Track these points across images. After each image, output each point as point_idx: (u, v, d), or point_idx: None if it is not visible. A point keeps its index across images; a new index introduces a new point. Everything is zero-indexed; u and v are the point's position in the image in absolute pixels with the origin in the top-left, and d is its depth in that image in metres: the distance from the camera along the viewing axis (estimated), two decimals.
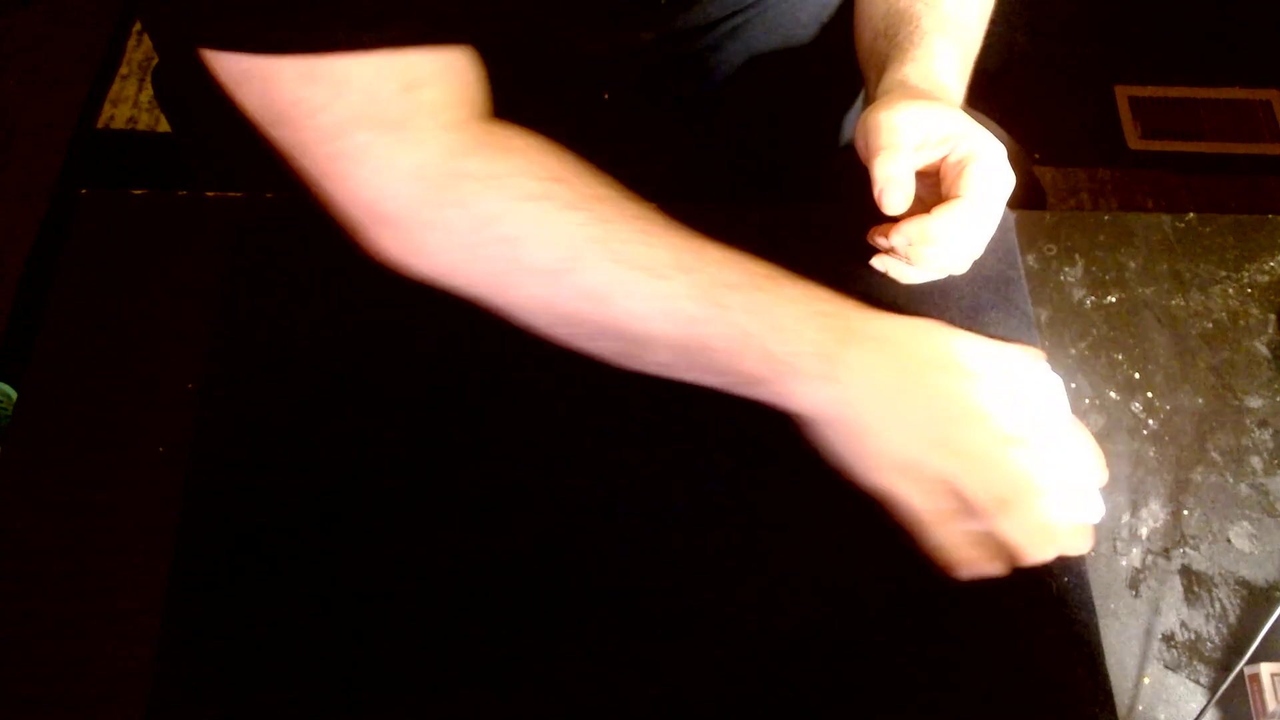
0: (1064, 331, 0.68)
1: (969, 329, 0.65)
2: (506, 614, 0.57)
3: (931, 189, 0.60)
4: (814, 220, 0.68)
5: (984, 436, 0.52)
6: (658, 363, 0.55)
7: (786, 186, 0.80)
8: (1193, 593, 0.60)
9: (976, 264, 0.68)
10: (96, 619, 0.57)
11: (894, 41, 0.65)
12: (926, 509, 0.53)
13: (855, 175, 0.60)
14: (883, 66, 0.65)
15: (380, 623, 0.56)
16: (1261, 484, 0.63)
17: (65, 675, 0.55)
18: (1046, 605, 0.57)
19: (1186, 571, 0.61)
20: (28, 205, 1.56)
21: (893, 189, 0.57)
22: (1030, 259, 0.71)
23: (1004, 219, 0.70)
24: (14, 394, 1.37)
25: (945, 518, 0.53)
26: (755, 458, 0.61)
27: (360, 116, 0.51)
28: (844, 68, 0.81)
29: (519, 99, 0.67)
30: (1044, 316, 0.68)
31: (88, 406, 0.63)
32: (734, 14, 0.67)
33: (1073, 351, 0.68)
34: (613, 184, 0.56)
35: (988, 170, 0.58)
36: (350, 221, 0.54)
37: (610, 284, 0.53)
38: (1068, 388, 0.66)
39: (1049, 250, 0.71)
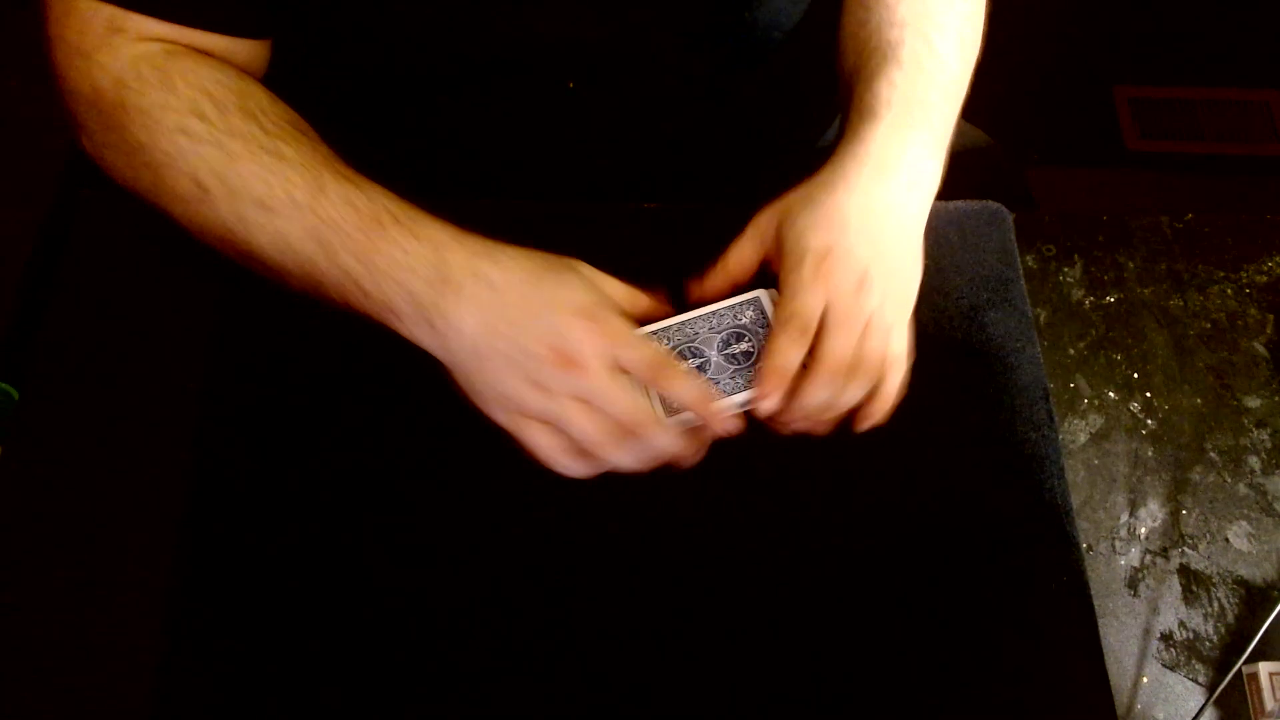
0: (1063, 331, 0.68)
1: (968, 329, 0.65)
2: (507, 614, 0.57)
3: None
4: None
5: (580, 379, 0.53)
6: (303, 291, 0.58)
7: (761, 186, 0.80)
8: (1191, 592, 0.60)
9: (976, 264, 0.68)
10: (96, 619, 0.57)
11: (851, 92, 0.65)
12: (543, 446, 0.55)
13: None
14: (843, 118, 0.65)
15: (381, 622, 0.56)
16: (1260, 484, 0.63)
17: (65, 675, 0.55)
18: (1045, 605, 0.57)
19: (1185, 571, 0.61)
20: (28, 205, 1.55)
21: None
22: (1029, 259, 0.71)
23: (1003, 219, 0.71)
24: (14, 394, 1.37)
25: (561, 456, 0.55)
26: (756, 457, 0.61)
27: (64, 37, 0.58)
28: (823, 70, 0.81)
29: (478, 82, 0.67)
30: (1043, 316, 0.69)
31: (88, 406, 0.63)
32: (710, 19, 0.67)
33: (1071, 351, 0.68)
34: (270, 119, 0.58)
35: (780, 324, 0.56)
36: None
37: (232, 217, 0.57)
38: (1066, 387, 0.66)
39: (1048, 250, 0.72)
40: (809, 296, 0.56)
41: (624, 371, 0.54)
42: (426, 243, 0.55)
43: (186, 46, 0.59)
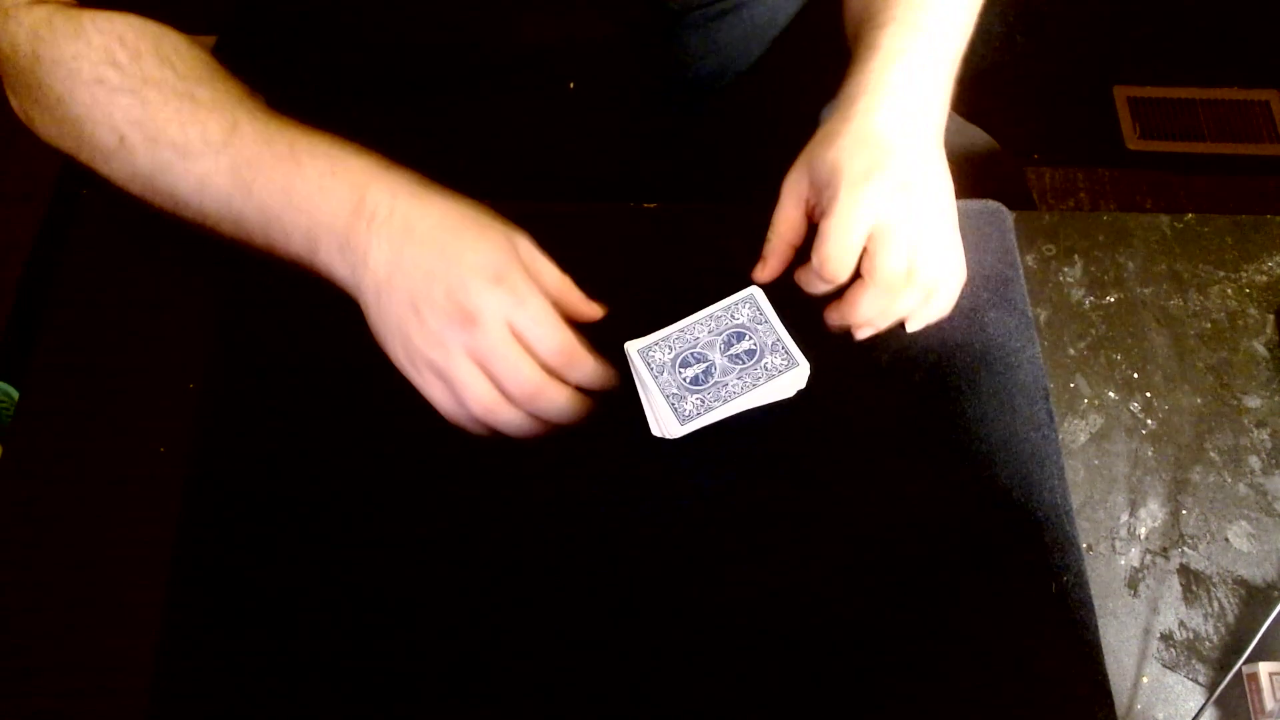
0: (1063, 331, 0.68)
1: (968, 329, 0.65)
2: (507, 613, 0.57)
3: None
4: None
5: (473, 336, 0.53)
6: (232, 238, 0.58)
7: (762, 184, 0.80)
8: (1191, 592, 0.60)
9: (976, 264, 0.68)
10: (97, 619, 0.57)
11: (857, 41, 0.65)
12: (436, 398, 0.55)
13: None
14: (849, 68, 0.65)
15: (380, 622, 0.56)
16: (1260, 484, 0.63)
17: (65, 675, 0.55)
18: (1045, 605, 0.57)
19: (1185, 571, 0.61)
20: (28, 205, 1.55)
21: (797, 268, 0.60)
22: (1029, 259, 0.71)
23: (1003, 219, 0.71)
24: (14, 394, 1.37)
25: (454, 410, 0.55)
26: (756, 457, 0.61)
27: None
28: (825, 63, 0.81)
29: (479, 83, 0.67)
30: (1043, 316, 0.69)
31: (88, 406, 0.63)
32: (697, 8, 0.67)
33: (1071, 351, 0.68)
34: (185, 63, 0.58)
35: (829, 235, 0.57)
36: None
37: (153, 164, 0.56)
38: (1066, 387, 0.66)
39: (1048, 250, 0.72)
40: (848, 227, 0.56)
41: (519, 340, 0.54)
42: (345, 175, 0.55)
43: None
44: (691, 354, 0.59)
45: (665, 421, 0.58)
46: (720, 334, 0.60)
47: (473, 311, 0.53)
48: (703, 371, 0.59)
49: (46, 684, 0.55)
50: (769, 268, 0.62)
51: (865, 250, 0.57)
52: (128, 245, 0.68)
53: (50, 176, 1.57)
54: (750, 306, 0.60)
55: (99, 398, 0.63)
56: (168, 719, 0.54)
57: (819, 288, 0.60)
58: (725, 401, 0.57)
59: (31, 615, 0.57)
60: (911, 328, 0.62)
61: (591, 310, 0.60)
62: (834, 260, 0.56)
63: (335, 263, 0.55)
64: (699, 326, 0.60)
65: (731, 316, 0.60)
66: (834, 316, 0.60)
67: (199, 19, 0.63)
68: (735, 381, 0.58)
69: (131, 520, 0.59)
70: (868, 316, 0.59)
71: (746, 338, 0.59)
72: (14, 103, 0.62)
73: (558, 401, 0.56)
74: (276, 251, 0.57)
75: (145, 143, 0.56)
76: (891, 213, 0.57)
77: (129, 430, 0.62)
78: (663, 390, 0.58)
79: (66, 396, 0.63)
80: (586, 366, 0.57)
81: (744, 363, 0.58)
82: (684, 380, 0.58)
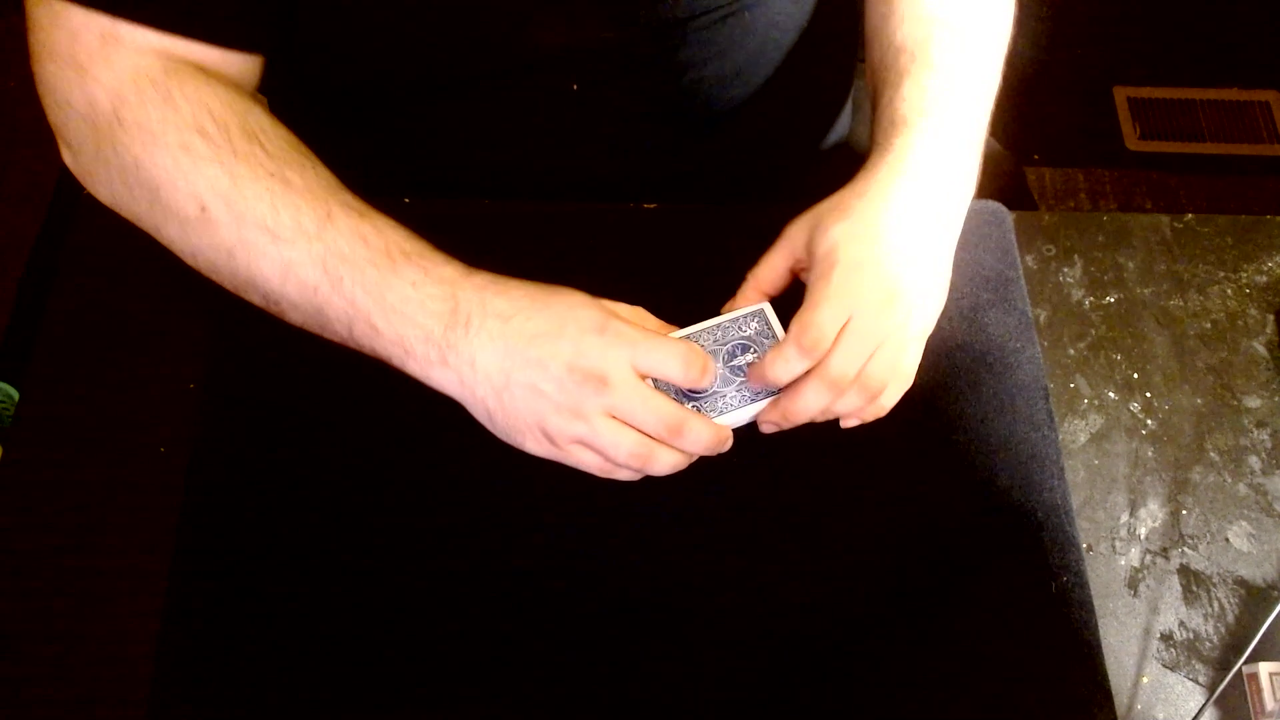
0: (1063, 332, 0.68)
1: (968, 329, 0.65)
2: (507, 613, 0.57)
3: None
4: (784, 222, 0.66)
5: (606, 395, 0.53)
6: (301, 322, 0.57)
7: (766, 189, 0.79)
8: (1191, 592, 0.60)
9: (976, 264, 0.68)
10: (96, 619, 0.57)
11: (878, 102, 0.64)
12: (591, 466, 0.55)
13: (837, 181, 0.60)
14: (872, 130, 0.64)
15: (380, 622, 0.56)
16: (1260, 484, 0.63)
17: (65, 675, 0.55)
18: (1045, 605, 0.57)
19: (1185, 571, 0.61)
20: (28, 205, 1.56)
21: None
22: (1029, 259, 0.71)
23: (1003, 219, 0.71)
24: (15, 394, 1.37)
25: (610, 469, 0.55)
26: (756, 457, 0.61)
27: (54, 47, 0.57)
28: (829, 67, 0.81)
29: (481, 86, 0.67)
30: (1043, 317, 0.69)
31: (88, 406, 0.63)
32: (701, 14, 0.67)
33: (1071, 351, 0.68)
34: (273, 143, 0.57)
35: (802, 323, 0.55)
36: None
37: (236, 242, 0.55)
38: (1066, 387, 0.66)
39: (1048, 251, 0.72)
40: (831, 309, 0.55)
41: (646, 379, 0.54)
42: (437, 279, 0.55)
43: (182, 60, 0.58)
44: None
45: None
46: (725, 344, 0.59)
47: (600, 373, 0.52)
48: None
49: (46, 684, 0.55)
50: (737, 305, 0.61)
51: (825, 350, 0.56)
52: (128, 246, 0.68)
53: (50, 177, 1.57)
54: (759, 320, 0.60)
55: (99, 398, 0.63)
56: (167, 719, 0.54)
57: (789, 374, 0.57)
58: (721, 414, 0.57)
59: (31, 615, 0.57)
60: (846, 424, 0.59)
61: (663, 324, 0.60)
62: (815, 328, 0.54)
63: (435, 372, 0.55)
64: (705, 335, 0.60)
65: (739, 328, 0.60)
66: (772, 413, 0.58)
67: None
68: (734, 394, 0.58)
69: (132, 520, 0.59)
70: (809, 408, 0.56)
71: (751, 351, 0.59)
72: (69, 159, 0.61)
73: (704, 432, 0.55)
74: (356, 343, 0.56)
75: (232, 218, 0.55)
76: (866, 313, 0.55)
77: (129, 430, 0.62)
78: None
79: (66, 396, 0.63)
80: (711, 375, 0.57)
81: (744, 376, 0.58)
82: (682, 388, 0.58)
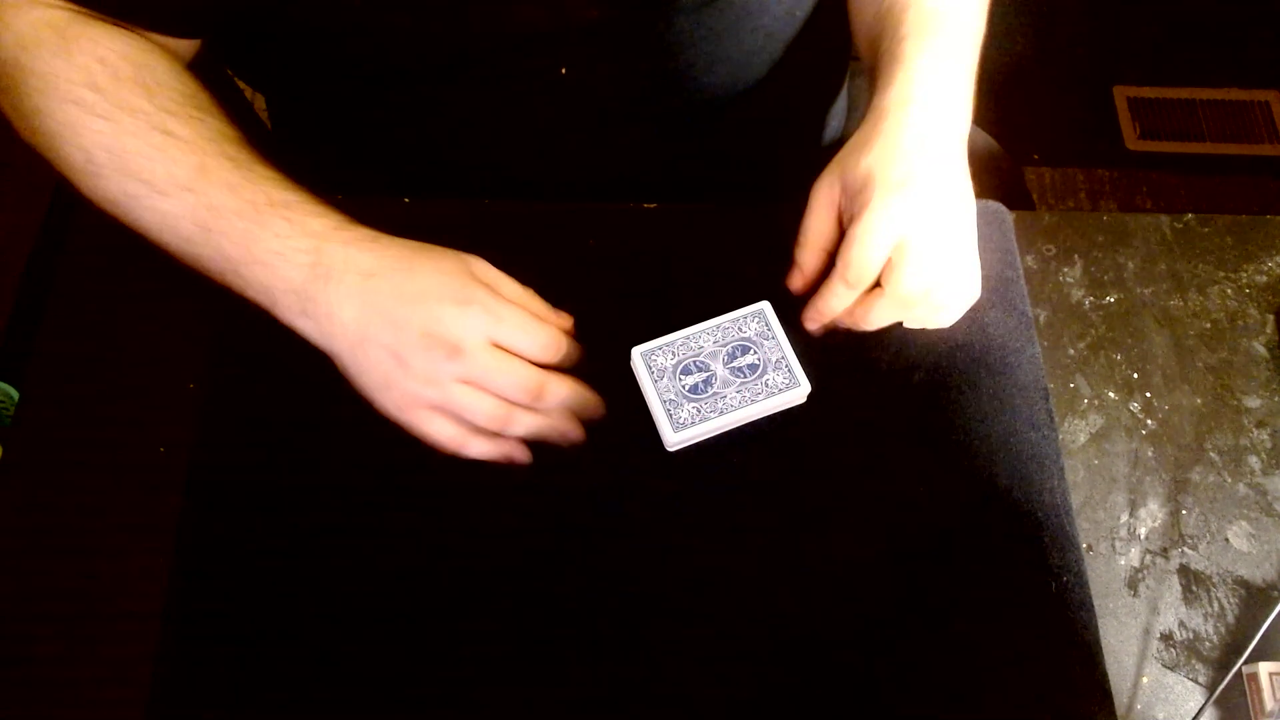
0: (1063, 332, 0.68)
1: (968, 329, 0.65)
2: (507, 613, 0.57)
3: None
4: (783, 221, 0.67)
5: (459, 363, 0.53)
6: (207, 274, 0.58)
7: (759, 183, 0.79)
8: (1191, 592, 0.60)
9: None
10: (96, 619, 0.57)
11: (877, 55, 0.65)
12: (444, 435, 0.55)
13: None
14: (872, 82, 0.65)
15: (380, 622, 0.56)
16: (1259, 484, 0.63)
17: (65, 675, 0.55)
18: (1045, 605, 0.57)
19: (1185, 571, 0.61)
20: (28, 205, 1.55)
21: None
22: (1029, 259, 0.71)
23: (1003, 219, 0.71)
24: (15, 394, 1.37)
25: (462, 439, 0.55)
26: (756, 459, 0.61)
27: None
28: (823, 61, 0.81)
29: (471, 70, 0.67)
30: (1043, 317, 0.69)
31: (88, 406, 0.63)
32: None
33: (1071, 352, 0.68)
34: (166, 96, 0.58)
35: (855, 245, 0.57)
36: None
37: (122, 194, 0.57)
38: (1066, 387, 0.66)
39: (1048, 251, 0.72)
40: (878, 236, 0.56)
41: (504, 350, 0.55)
42: (303, 230, 0.55)
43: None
44: (694, 362, 0.59)
45: (661, 428, 0.58)
46: (725, 345, 0.60)
47: (454, 341, 0.53)
48: (703, 381, 0.59)
49: (46, 684, 0.55)
50: (804, 275, 0.62)
51: (889, 262, 0.58)
52: (128, 245, 0.68)
53: (50, 177, 1.57)
54: (759, 321, 0.60)
55: (99, 398, 0.63)
56: (167, 719, 0.54)
57: (837, 303, 0.59)
58: (721, 414, 0.57)
59: (31, 615, 0.57)
60: (910, 325, 0.62)
61: (559, 319, 0.60)
62: (860, 264, 0.56)
63: (299, 322, 0.56)
64: (705, 336, 0.60)
65: (739, 329, 0.60)
66: (845, 321, 0.60)
67: (191, 19, 0.63)
68: (734, 394, 0.58)
69: (132, 520, 0.59)
70: (879, 324, 0.60)
71: (751, 351, 0.59)
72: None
73: (564, 390, 0.56)
74: (233, 291, 0.57)
75: (113, 171, 0.56)
76: (920, 228, 0.57)
77: (129, 430, 0.62)
78: (660, 396, 0.58)
79: (66, 396, 0.63)
80: (575, 354, 0.58)
81: (745, 376, 0.58)
82: (683, 388, 0.58)
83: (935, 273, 0.58)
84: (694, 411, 0.57)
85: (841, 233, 0.61)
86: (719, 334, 0.60)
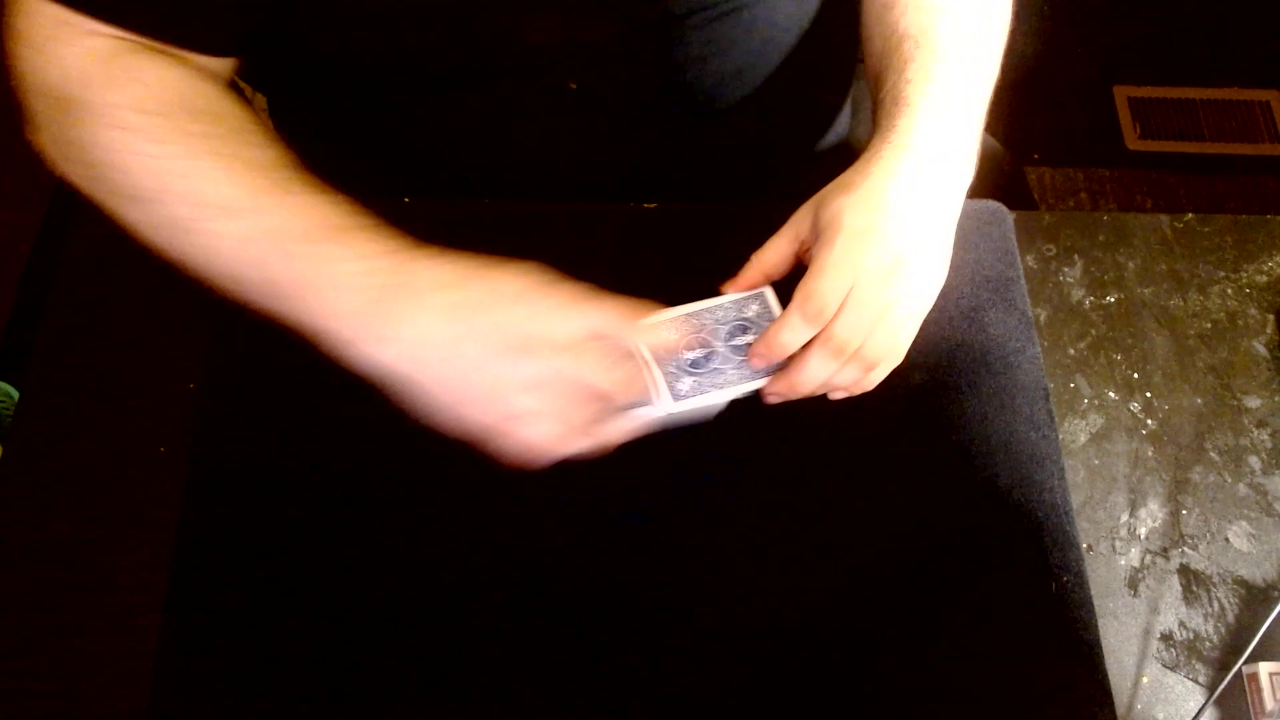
0: (1063, 331, 0.68)
1: (968, 329, 0.65)
2: (507, 612, 0.57)
3: None
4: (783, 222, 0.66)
5: (551, 360, 0.52)
6: (251, 302, 0.57)
7: (764, 188, 0.80)
8: (1191, 592, 0.60)
9: (976, 264, 0.68)
10: (96, 619, 0.57)
11: (882, 90, 0.64)
12: (537, 438, 0.54)
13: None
14: (874, 119, 0.65)
15: (380, 623, 0.56)
16: (1260, 484, 0.63)
17: (65, 675, 0.55)
18: (1046, 605, 0.57)
19: (1185, 571, 0.61)
20: (28, 205, 1.55)
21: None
22: (1029, 259, 0.71)
23: (1003, 219, 0.71)
24: (15, 394, 1.37)
25: (560, 440, 0.54)
26: (756, 459, 0.61)
27: (19, 29, 0.57)
28: (827, 69, 0.81)
29: (479, 85, 0.67)
30: (1043, 316, 0.69)
31: (88, 406, 0.63)
32: (696, 12, 0.67)
33: (1071, 351, 0.68)
34: (219, 121, 0.58)
35: (801, 302, 0.55)
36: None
37: (190, 217, 0.55)
38: (1066, 387, 0.66)
39: (1048, 250, 0.72)
40: (835, 277, 0.55)
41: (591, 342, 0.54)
42: (385, 251, 0.54)
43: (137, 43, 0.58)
44: (695, 339, 0.59)
45: (661, 396, 0.58)
46: (725, 324, 0.60)
47: (530, 338, 0.53)
48: (703, 356, 0.59)
49: (46, 683, 0.55)
50: (736, 286, 0.61)
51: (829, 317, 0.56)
52: (128, 245, 0.68)
53: (50, 176, 1.57)
54: (760, 303, 0.61)
55: (99, 398, 0.63)
56: (167, 718, 0.54)
57: (789, 336, 0.57)
58: (719, 388, 0.58)
59: (31, 615, 0.57)
60: (835, 396, 0.59)
61: (621, 306, 0.59)
62: (818, 296, 0.55)
63: (378, 348, 0.54)
64: (706, 315, 0.60)
65: (740, 310, 0.61)
66: (778, 384, 0.58)
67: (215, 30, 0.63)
68: (733, 371, 0.58)
69: (132, 520, 0.59)
70: (815, 377, 0.56)
71: (751, 331, 0.59)
72: (32, 135, 0.61)
73: (641, 380, 0.55)
74: (301, 322, 0.55)
75: (187, 194, 0.55)
76: (871, 280, 0.55)
77: (129, 430, 0.62)
78: (662, 368, 0.59)
79: (66, 396, 0.63)
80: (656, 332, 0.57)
81: (744, 355, 0.59)
82: (684, 362, 0.59)
83: (872, 329, 0.56)
84: (694, 385, 0.58)
85: (796, 263, 0.60)
86: (719, 313, 0.60)
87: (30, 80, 0.58)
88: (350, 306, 0.54)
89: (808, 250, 0.59)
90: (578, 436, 0.55)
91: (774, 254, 0.60)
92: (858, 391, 0.59)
